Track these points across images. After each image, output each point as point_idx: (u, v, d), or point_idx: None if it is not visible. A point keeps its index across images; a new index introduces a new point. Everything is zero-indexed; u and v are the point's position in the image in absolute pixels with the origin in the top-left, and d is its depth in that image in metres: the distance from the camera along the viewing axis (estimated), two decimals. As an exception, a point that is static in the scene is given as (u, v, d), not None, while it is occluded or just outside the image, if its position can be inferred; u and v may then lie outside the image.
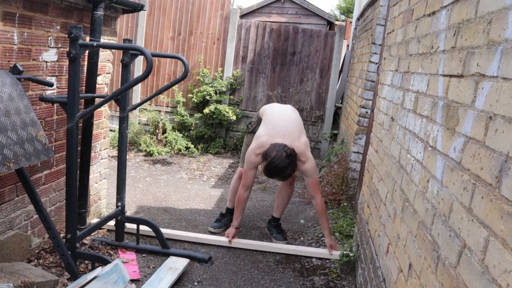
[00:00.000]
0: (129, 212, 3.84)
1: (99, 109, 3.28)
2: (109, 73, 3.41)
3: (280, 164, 3.05)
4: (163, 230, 3.25)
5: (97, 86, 3.12)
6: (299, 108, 6.69)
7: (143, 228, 3.21)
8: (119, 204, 3.09)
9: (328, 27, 8.22)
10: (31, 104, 2.28)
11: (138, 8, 3.25)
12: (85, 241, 3.07)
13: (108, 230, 3.39)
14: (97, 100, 3.06)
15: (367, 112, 4.41)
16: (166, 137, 6.31)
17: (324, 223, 3.37)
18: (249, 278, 2.95)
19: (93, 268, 2.60)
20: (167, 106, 6.79)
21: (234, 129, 6.79)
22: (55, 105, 2.77)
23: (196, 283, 2.81)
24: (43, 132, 2.25)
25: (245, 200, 3.42)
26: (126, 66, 3.00)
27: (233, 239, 3.39)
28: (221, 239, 3.41)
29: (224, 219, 3.72)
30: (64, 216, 2.85)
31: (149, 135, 6.31)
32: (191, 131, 6.54)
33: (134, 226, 3.19)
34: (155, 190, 4.64)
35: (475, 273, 1.10)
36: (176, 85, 6.60)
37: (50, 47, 2.65)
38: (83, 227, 3.14)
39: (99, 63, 3.08)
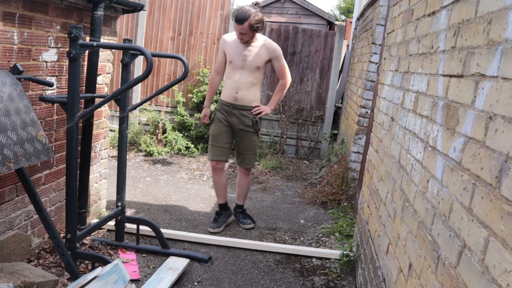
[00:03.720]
0: (129, 212, 3.84)
1: (99, 109, 3.28)
2: (109, 73, 3.41)
3: (247, 7, 3.35)
4: (163, 230, 3.25)
5: (97, 86, 3.12)
6: (299, 108, 6.70)
7: (143, 228, 3.21)
8: (119, 204, 3.09)
9: (328, 27, 8.22)
10: (31, 104, 2.28)
11: (138, 8, 3.25)
12: (85, 241, 3.07)
13: (108, 230, 3.39)
14: (97, 100, 3.06)
15: (367, 112, 4.41)
16: (166, 137, 6.31)
17: (276, 97, 3.69)
18: (249, 278, 2.95)
19: (93, 268, 2.60)
20: (167, 106, 6.78)
21: (234, 129, 6.78)
22: (55, 105, 2.77)
23: (196, 283, 2.81)
24: (43, 132, 2.25)
25: (217, 83, 3.75)
26: (126, 66, 3.00)
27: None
28: (221, 239, 3.41)
29: (220, 218, 3.74)
30: (64, 216, 2.85)
31: (149, 135, 6.31)
32: (191, 131, 6.54)
33: (134, 226, 3.19)
34: (155, 190, 4.64)
35: (475, 273, 1.10)
36: (176, 85, 6.59)
37: (50, 47, 2.65)
38: (83, 227, 3.14)
39: (99, 63, 3.08)
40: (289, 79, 3.66)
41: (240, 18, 3.32)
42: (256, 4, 3.41)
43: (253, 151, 3.69)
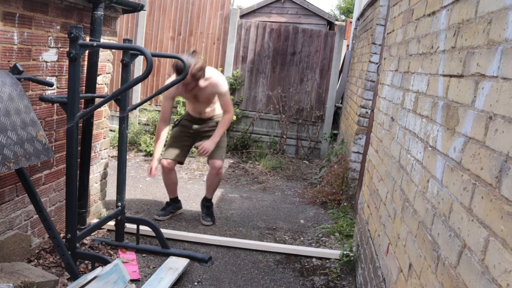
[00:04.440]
0: (129, 212, 3.84)
1: (99, 109, 3.28)
2: (109, 73, 3.41)
3: (186, 57, 3.26)
4: (163, 230, 3.25)
5: (97, 86, 3.12)
6: (299, 108, 6.70)
7: (143, 228, 3.21)
8: (119, 204, 3.09)
9: (328, 27, 8.21)
10: (31, 104, 2.28)
11: (138, 8, 3.25)
12: (85, 241, 3.07)
13: (108, 230, 3.39)
14: (97, 100, 3.06)
15: (367, 112, 4.41)
16: (166, 137, 6.29)
17: (218, 131, 3.63)
18: (249, 278, 2.95)
19: (93, 268, 2.60)
20: (167, 106, 6.77)
21: (234, 129, 6.79)
22: (55, 105, 2.77)
23: (196, 283, 2.81)
24: (43, 132, 2.25)
25: (164, 133, 3.65)
26: (126, 66, 3.00)
27: (157, 173, 3.68)
28: (221, 239, 3.41)
29: (169, 208, 3.91)
30: (64, 216, 2.85)
31: (149, 135, 6.31)
32: (191, 131, 6.53)
33: (134, 226, 3.19)
34: (155, 190, 4.63)
35: (475, 273, 1.10)
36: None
37: (50, 47, 2.65)
38: (83, 227, 3.14)
39: (99, 63, 3.08)
40: (233, 112, 3.76)
41: (181, 69, 3.29)
42: (194, 52, 3.40)
43: (219, 145, 3.72)
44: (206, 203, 3.91)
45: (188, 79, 3.34)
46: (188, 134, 3.84)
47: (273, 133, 6.78)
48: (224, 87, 3.62)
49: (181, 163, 3.87)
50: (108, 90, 3.44)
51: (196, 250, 3.25)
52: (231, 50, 6.66)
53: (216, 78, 3.60)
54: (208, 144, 3.58)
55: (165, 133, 3.67)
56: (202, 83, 3.50)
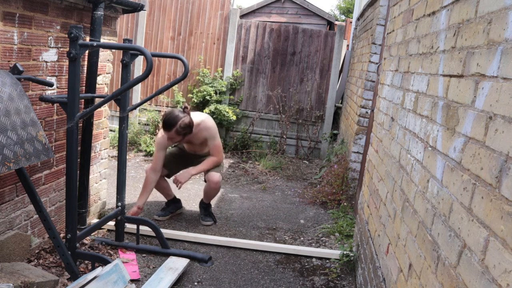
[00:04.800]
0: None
1: (99, 109, 3.28)
2: (109, 73, 3.41)
3: (175, 112, 3.34)
4: (163, 230, 3.25)
5: (97, 86, 3.12)
6: (299, 108, 6.70)
7: (143, 228, 3.21)
8: (119, 204, 3.09)
9: (328, 27, 8.22)
10: (31, 104, 2.28)
11: (138, 8, 3.25)
12: (85, 241, 3.07)
13: (108, 230, 3.39)
14: (97, 100, 3.06)
15: (367, 112, 4.41)
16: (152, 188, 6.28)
17: (202, 166, 3.62)
18: (249, 278, 2.95)
19: (93, 268, 2.60)
20: (167, 106, 6.78)
21: (234, 129, 6.79)
22: (55, 105, 2.77)
23: (196, 283, 2.81)
24: (43, 132, 2.25)
25: (152, 183, 3.58)
26: (126, 66, 3.00)
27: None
28: (221, 239, 3.41)
29: (168, 208, 3.90)
30: (64, 216, 2.85)
31: (149, 135, 6.31)
32: (191, 131, 6.54)
33: (134, 226, 3.19)
34: (155, 190, 4.63)
35: (475, 273, 1.10)
36: (176, 85, 6.60)
37: (50, 47, 2.65)
38: (83, 227, 3.14)
39: (99, 63, 3.08)
40: (222, 158, 3.73)
41: (167, 125, 3.34)
42: (185, 108, 3.42)
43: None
44: (204, 204, 3.90)
45: (173, 135, 3.37)
46: (184, 154, 3.86)
47: (273, 133, 6.78)
48: (214, 132, 3.63)
49: (168, 176, 3.82)
50: (108, 90, 3.44)
51: (196, 250, 3.25)
52: (231, 50, 6.66)
53: (207, 123, 3.60)
54: (182, 176, 3.57)
55: (154, 183, 3.58)
56: (193, 130, 3.49)
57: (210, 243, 3.37)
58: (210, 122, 3.65)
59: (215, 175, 3.66)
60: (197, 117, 3.56)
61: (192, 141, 3.67)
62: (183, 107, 3.43)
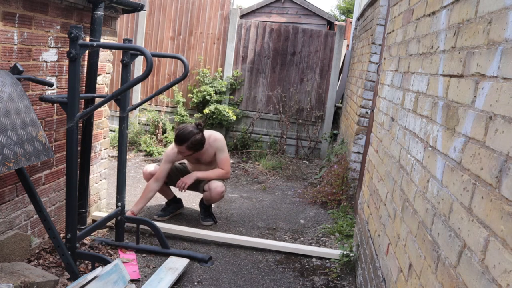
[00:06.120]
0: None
1: (99, 109, 3.28)
2: (109, 73, 3.41)
3: (188, 128, 3.38)
4: (161, 225, 3.26)
5: (97, 86, 3.12)
6: (299, 108, 6.70)
7: (143, 227, 3.21)
8: (119, 204, 3.09)
9: (328, 27, 8.22)
10: (31, 104, 2.28)
11: (138, 8, 3.25)
12: (85, 241, 3.07)
13: (108, 230, 3.39)
14: (97, 100, 3.06)
15: (367, 112, 4.41)
16: (166, 137, 6.30)
17: (207, 173, 3.61)
18: (249, 278, 2.95)
19: (93, 268, 2.60)
20: (167, 106, 6.79)
21: (234, 129, 6.79)
22: (55, 105, 2.77)
23: (196, 283, 2.81)
24: (43, 132, 2.25)
25: (152, 192, 3.55)
26: (126, 66, 3.00)
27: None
28: (221, 235, 3.40)
29: (168, 208, 3.90)
30: (64, 216, 2.85)
31: (149, 135, 6.31)
32: (191, 131, 6.53)
33: (134, 225, 3.19)
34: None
35: (475, 273, 1.10)
36: (176, 85, 6.60)
37: (50, 47, 2.65)
38: (83, 227, 3.15)
39: (99, 63, 3.08)
40: (229, 172, 3.70)
41: (179, 139, 3.36)
42: (199, 125, 3.45)
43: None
44: (204, 204, 3.87)
45: (183, 149, 3.39)
46: (183, 169, 3.87)
47: (273, 133, 6.78)
48: (224, 145, 3.65)
49: (166, 183, 3.78)
50: (108, 90, 3.44)
51: (196, 250, 3.25)
52: (231, 50, 6.66)
53: (217, 135, 3.66)
54: (188, 178, 3.55)
55: (153, 192, 3.55)
56: (204, 146, 3.50)
57: (210, 239, 3.38)
58: (219, 135, 3.69)
59: (219, 184, 3.62)
60: (208, 132, 3.64)
61: (201, 160, 3.67)
62: (197, 123, 3.46)
